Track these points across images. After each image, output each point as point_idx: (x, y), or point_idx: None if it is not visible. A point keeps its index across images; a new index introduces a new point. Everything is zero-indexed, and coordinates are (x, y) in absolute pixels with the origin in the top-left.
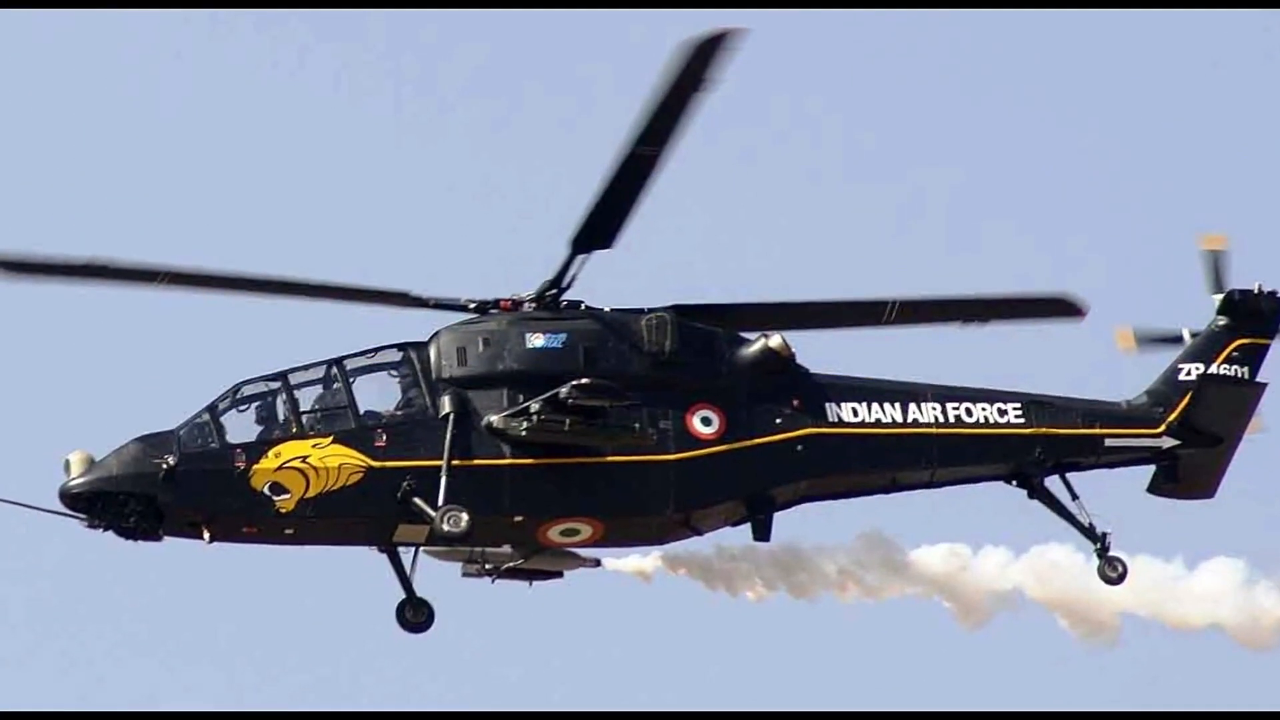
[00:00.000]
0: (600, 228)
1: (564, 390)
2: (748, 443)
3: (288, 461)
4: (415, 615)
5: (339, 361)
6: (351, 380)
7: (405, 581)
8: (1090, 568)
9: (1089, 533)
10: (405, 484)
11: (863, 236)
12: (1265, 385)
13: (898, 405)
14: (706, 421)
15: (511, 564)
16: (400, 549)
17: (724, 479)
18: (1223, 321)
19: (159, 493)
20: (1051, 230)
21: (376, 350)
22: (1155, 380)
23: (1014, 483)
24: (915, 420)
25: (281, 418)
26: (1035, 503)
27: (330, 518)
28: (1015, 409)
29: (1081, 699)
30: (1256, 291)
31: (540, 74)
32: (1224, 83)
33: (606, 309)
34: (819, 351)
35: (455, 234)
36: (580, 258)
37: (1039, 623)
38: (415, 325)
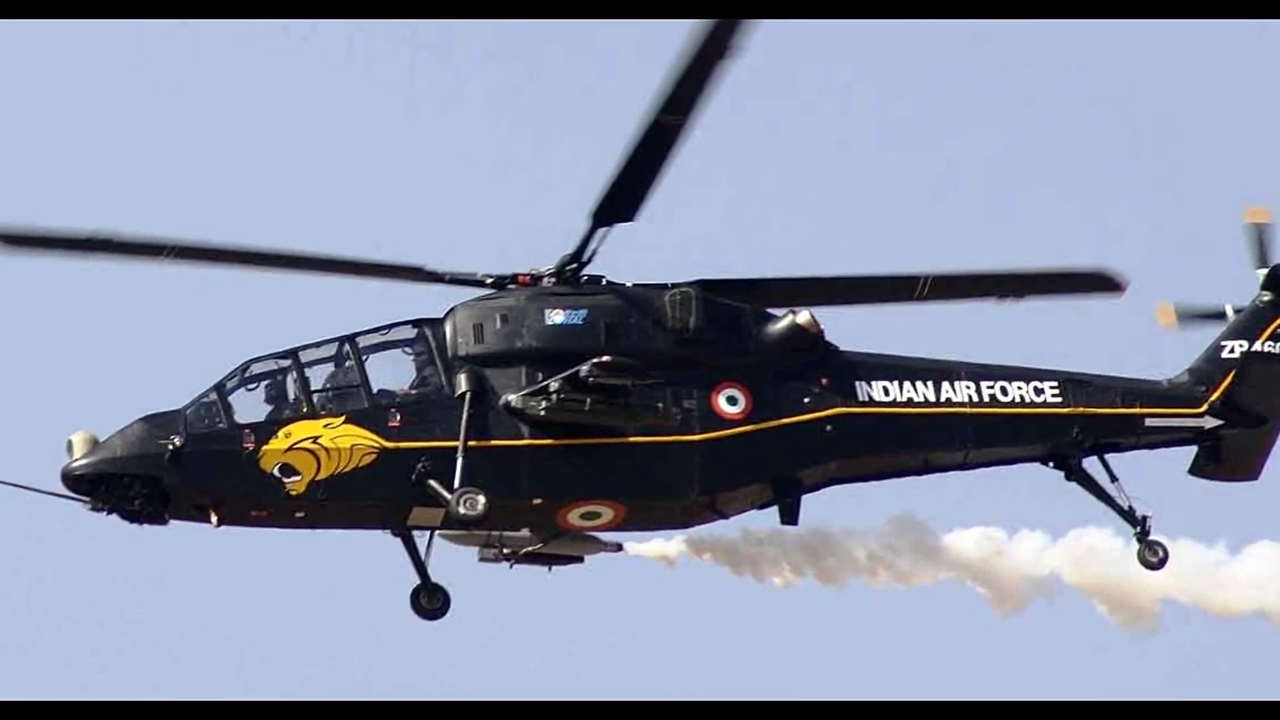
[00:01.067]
0: (622, 199)
1: (584, 368)
2: (775, 423)
3: (298, 442)
4: (430, 601)
5: (351, 339)
6: (364, 358)
7: (420, 566)
8: (1130, 552)
9: (1128, 516)
10: (420, 465)
11: (894, 208)
12: None
13: (930, 384)
14: (732, 401)
15: (530, 548)
16: (415, 533)
17: (750, 460)
18: (1267, 297)
19: (165, 474)
20: (1090, 202)
21: (390, 327)
22: (1197, 358)
23: (1051, 464)
24: (948, 399)
25: (292, 397)
26: (1073, 485)
27: (342, 500)
28: (1052, 388)
29: (1120, 688)
30: None
31: (560, 39)
32: (1271, 51)
33: (629, 284)
34: (849, 328)
35: (471, 206)
36: (601, 231)
37: (1076, 609)
38: (430, 301)
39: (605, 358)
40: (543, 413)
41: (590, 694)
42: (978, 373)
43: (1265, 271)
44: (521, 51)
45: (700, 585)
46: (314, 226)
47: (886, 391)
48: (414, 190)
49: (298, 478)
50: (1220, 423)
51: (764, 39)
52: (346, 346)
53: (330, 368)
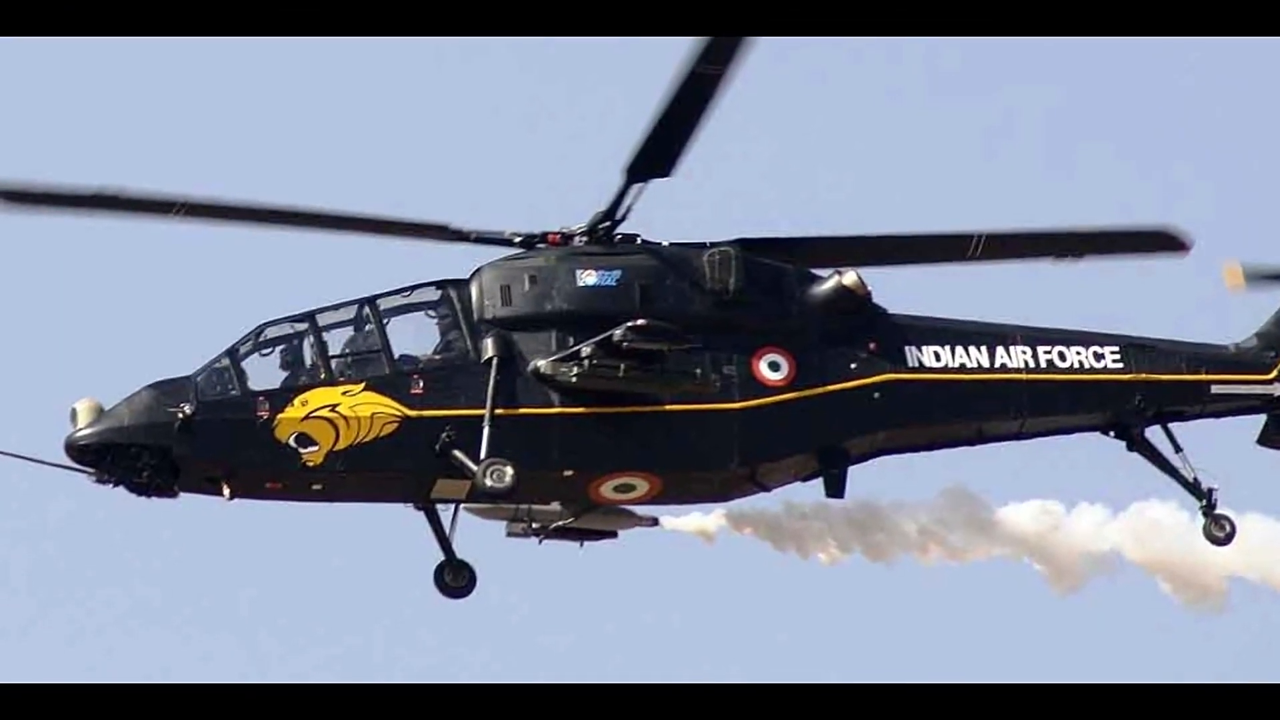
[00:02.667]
0: (659, 154)
1: (618, 332)
2: (820, 390)
3: (315, 410)
4: (455, 579)
5: (372, 301)
6: (385, 321)
7: (444, 542)
8: (1195, 527)
9: (1193, 488)
10: (444, 435)
11: (946, 163)
12: None
13: (984, 349)
14: (774, 367)
15: (561, 523)
16: (439, 506)
17: (794, 430)
18: None
19: (174, 444)
20: (1154, 157)
21: (413, 288)
22: (1266, 321)
23: (1111, 434)
24: (1003, 365)
25: (309, 362)
26: (1135, 456)
27: (362, 472)
28: (1113, 353)
29: (1184, 670)
30: None
31: None
32: None
33: (665, 243)
34: (898, 289)
35: (499, 161)
36: (636, 187)
37: (1138, 587)
38: (455, 261)
39: (640, 321)
40: (574, 379)
41: (624, 676)
42: (1034, 337)
43: None
44: None
45: (740, 562)
46: (333, 182)
47: (938, 357)
48: (439, 144)
49: (315, 448)
50: None
51: None
52: (366, 309)
53: (349, 332)
